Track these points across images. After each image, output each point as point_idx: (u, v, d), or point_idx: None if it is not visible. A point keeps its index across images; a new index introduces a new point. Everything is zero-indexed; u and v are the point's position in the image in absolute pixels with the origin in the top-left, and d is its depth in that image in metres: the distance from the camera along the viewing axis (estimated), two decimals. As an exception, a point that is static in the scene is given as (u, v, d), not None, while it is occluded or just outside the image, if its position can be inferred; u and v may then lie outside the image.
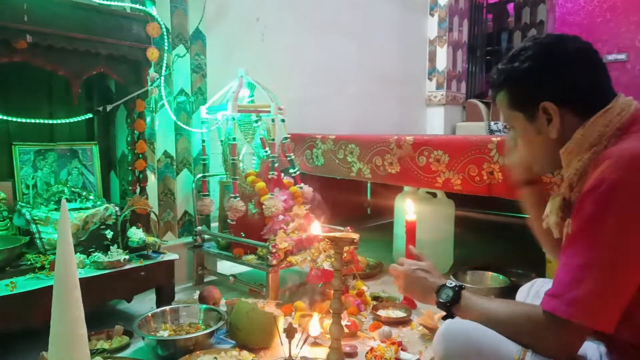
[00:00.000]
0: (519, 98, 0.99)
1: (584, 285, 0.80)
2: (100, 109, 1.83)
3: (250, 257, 1.99)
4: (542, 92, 0.94)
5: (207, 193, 2.24)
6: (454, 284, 1.02)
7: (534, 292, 1.23)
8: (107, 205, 1.79)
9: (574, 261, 0.83)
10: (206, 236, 2.22)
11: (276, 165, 2.17)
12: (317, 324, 1.56)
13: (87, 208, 1.74)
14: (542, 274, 1.97)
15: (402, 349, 1.48)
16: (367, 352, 1.45)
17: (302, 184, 2.23)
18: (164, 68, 1.97)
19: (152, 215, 1.86)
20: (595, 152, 0.90)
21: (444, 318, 1.03)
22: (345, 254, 1.50)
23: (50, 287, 0.96)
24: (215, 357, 1.36)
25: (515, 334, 0.89)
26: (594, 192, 0.82)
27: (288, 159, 2.29)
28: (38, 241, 1.61)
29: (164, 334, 1.54)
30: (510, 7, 6.05)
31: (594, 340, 0.94)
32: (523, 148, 1.04)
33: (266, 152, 2.16)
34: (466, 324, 0.96)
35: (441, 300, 1.02)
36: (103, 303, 1.69)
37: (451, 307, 1.00)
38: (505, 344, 0.89)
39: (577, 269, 0.82)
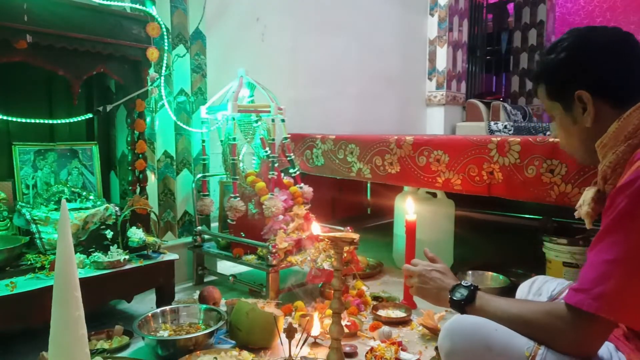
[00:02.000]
0: (556, 88, 1.01)
1: (612, 280, 0.79)
2: (100, 109, 1.82)
3: (250, 257, 1.99)
4: (576, 81, 0.96)
5: (207, 193, 2.23)
6: (468, 284, 1.02)
7: (534, 290, 1.22)
8: (107, 205, 1.79)
9: (603, 257, 0.82)
10: (206, 236, 2.22)
11: (276, 165, 2.17)
12: (317, 323, 1.56)
13: (87, 208, 1.74)
14: (542, 274, 1.97)
15: (402, 349, 1.48)
16: (367, 352, 1.45)
17: (302, 184, 2.23)
18: (164, 68, 1.97)
19: (152, 215, 1.86)
20: (630, 145, 0.90)
21: None
22: (345, 254, 1.50)
23: (50, 287, 0.95)
24: (215, 357, 1.36)
25: (534, 331, 0.88)
26: (627, 188, 0.81)
27: (288, 159, 2.29)
28: (38, 241, 1.61)
29: (164, 334, 1.54)
30: (510, 7, 6.05)
31: None
32: (563, 138, 1.07)
33: (266, 152, 2.16)
34: (474, 319, 0.95)
35: (455, 299, 1.01)
36: (103, 303, 1.69)
37: (465, 307, 0.99)
38: (515, 340, 0.88)
39: (605, 264, 0.81)
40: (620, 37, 0.97)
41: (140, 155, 1.84)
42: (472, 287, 1.01)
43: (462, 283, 1.03)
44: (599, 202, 1.00)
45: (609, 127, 0.93)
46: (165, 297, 1.78)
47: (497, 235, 3.27)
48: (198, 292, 1.89)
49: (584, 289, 0.82)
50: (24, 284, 1.43)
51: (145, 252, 1.75)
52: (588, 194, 1.04)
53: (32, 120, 1.68)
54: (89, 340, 1.42)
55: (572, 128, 1.01)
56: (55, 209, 1.69)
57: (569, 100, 0.98)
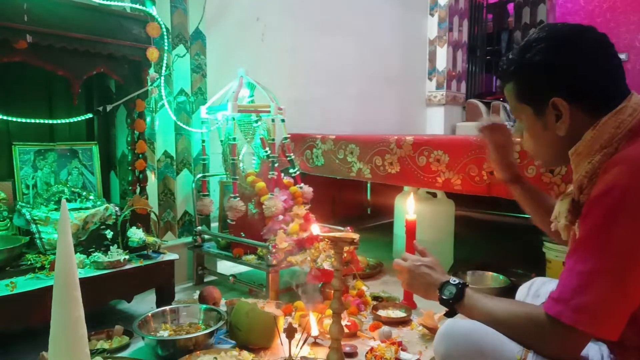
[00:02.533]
0: (528, 91, 0.95)
1: (591, 292, 0.79)
2: (100, 109, 1.83)
3: (250, 257, 1.99)
4: (553, 87, 0.91)
5: (207, 193, 2.24)
6: (457, 281, 1.02)
7: (533, 292, 1.22)
8: (107, 205, 1.79)
9: (581, 267, 0.82)
10: (206, 236, 2.22)
11: (276, 165, 2.17)
12: (316, 324, 1.56)
13: (87, 208, 1.74)
14: (542, 274, 1.97)
15: (402, 349, 1.48)
16: (367, 352, 1.45)
17: (302, 184, 2.23)
18: (164, 68, 1.97)
19: (152, 215, 1.86)
20: (606, 154, 0.87)
21: (446, 315, 1.03)
22: (345, 254, 1.50)
23: (50, 287, 0.95)
24: (215, 357, 1.36)
25: (516, 335, 0.89)
26: (603, 197, 0.81)
27: (288, 159, 2.29)
28: (38, 241, 1.61)
29: (164, 334, 1.54)
30: (510, 7, 6.05)
31: (596, 341, 0.94)
32: (529, 141, 1.01)
33: (266, 152, 2.16)
34: (467, 324, 0.95)
35: (444, 297, 1.01)
36: (103, 303, 1.69)
37: (454, 305, 0.99)
38: (507, 344, 0.89)
39: (583, 275, 0.81)
40: (598, 37, 0.91)
41: (140, 155, 1.84)
42: (460, 286, 1.00)
43: (450, 281, 1.03)
44: (575, 213, 0.95)
45: (583, 135, 0.89)
46: (165, 297, 1.78)
47: (497, 235, 3.27)
48: (198, 292, 1.89)
49: (562, 299, 0.82)
50: (24, 284, 1.43)
51: (145, 252, 1.75)
52: (563, 205, 0.99)
53: (32, 120, 1.68)
54: (89, 340, 1.42)
55: (542, 134, 0.96)
56: (55, 209, 1.69)
57: (541, 105, 0.93)
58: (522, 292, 1.27)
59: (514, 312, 0.91)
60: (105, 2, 1.71)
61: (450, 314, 1.02)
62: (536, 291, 1.22)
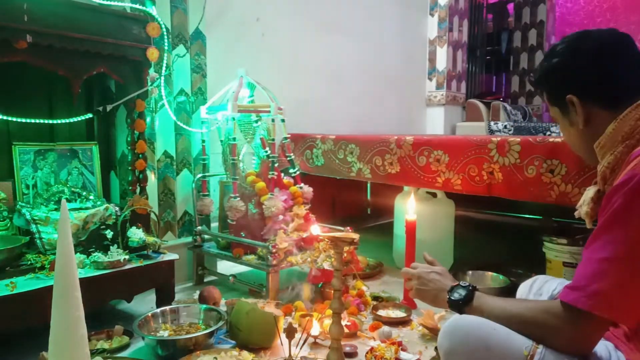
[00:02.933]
0: (552, 93, 1.06)
1: (607, 278, 0.80)
2: (100, 109, 1.83)
3: (250, 257, 1.99)
4: (566, 86, 1.00)
5: (207, 193, 2.24)
6: (467, 284, 1.03)
7: (535, 290, 1.22)
8: (107, 205, 1.79)
9: (598, 255, 0.83)
10: (206, 236, 2.22)
11: (276, 165, 2.17)
12: (316, 324, 1.56)
13: (87, 208, 1.74)
14: (542, 274, 1.97)
15: (402, 349, 1.48)
16: (367, 352, 1.45)
17: (302, 184, 2.23)
18: (164, 68, 1.97)
19: (152, 215, 1.86)
20: (628, 145, 0.91)
21: None
22: (345, 254, 1.50)
23: (50, 287, 0.95)
24: (215, 357, 1.36)
25: (532, 329, 0.88)
26: (622, 187, 0.82)
27: (288, 159, 2.29)
28: (38, 241, 1.61)
29: (164, 334, 1.54)
30: (510, 7, 6.05)
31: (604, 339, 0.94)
32: (566, 138, 1.11)
33: (266, 152, 2.16)
34: (472, 319, 0.96)
35: (453, 299, 1.02)
36: (103, 303, 1.69)
37: (463, 307, 1.00)
38: (514, 340, 0.88)
39: (600, 261, 0.82)
40: (615, 39, 0.99)
41: (140, 155, 1.84)
42: (470, 288, 1.02)
43: (461, 284, 1.04)
44: (598, 202, 1.01)
45: (606, 129, 0.95)
46: (165, 297, 1.78)
47: (497, 235, 3.27)
48: (198, 292, 1.89)
49: (579, 287, 0.83)
50: (24, 284, 1.43)
51: (145, 252, 1.75)
52: (588, 193, 1.06)
53: (32, 120, 1.68)
54: (89, 340, 1.42)
55: (570, 130, 1.05)
56: (55, 209, 1.69)
57: (563, 103, 1.02)
58: (523, 290, 1.26)
59: (527, 307, 0.92)
60: (105, 2, 1.70)
61: None
62: (539, 289, 1.22)
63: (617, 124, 0.93)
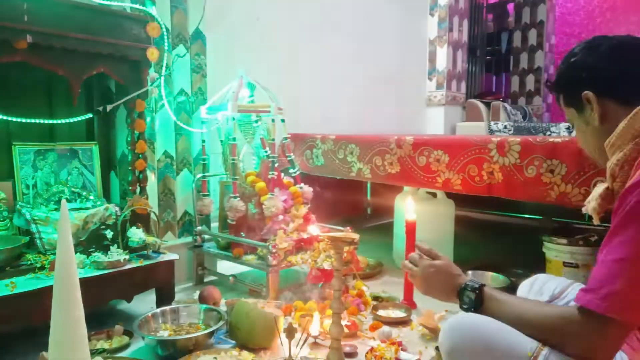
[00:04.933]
0: (568, 94, 1.06)
1: (620, 279, 0.79)
2: (100, 109, 1.82)
3: (250, 257, 1.99)
4: (582, 83, 1.00)
5: (207, 193, 2.23)
6: (473, 285, 0.99)
7: (536, 289, 1.21)
8: (107, 205, 1.79)
9: (612, 256, 0.82)
10: (206, 236, 2.22)
11: (276, 165, 2.17)
12: (317, 324, 1.56)
13: (87, 208, 1.74)
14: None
15: (402, 349, 1.48)
16: (367, 352, 1.45)
17: (302, 184, 2.23)
18: (164, 68, 1.97)
19: (152, 215, 1.86)
20: (638, 143, 0.92)
21: None
22: (345, 254, 1.50)
23: (50, 287, 0.95)
24: (215, 357, 1.36)
25: (547, 334, 0.86)
26: (636, 188, 0.81)
27: (288, 159, 2.29)
28: (38, 241, 1.61)
29: (164, 334, 1.54)
30: (510, 7, 6.05)
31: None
32: (582, 142, 1.10)
33: (266, 152, 2.16)
34: (474, 318, 0.95)
35: (465, 306, 1.00)
36: (103, 303, 1.69)
37: (475, 311, 0.98)
38: (518, 340, 0.87)
39: (614, 263, 0.81)
40: (634, 39, 1.00)
41: (140, 155, 1.84)
42: (477, 290, 0.98)
43: (467, 287, 1.00)
44: (606, 199, 1.02)
45: (617, 128, 0.95)
46: (165, 297, 1.78)
47: (497, 235, 3.27)
48: (198, 292, 1.89)
49: (592, 289, 0.82)
50: (24, 284, 1.43)
51: (145, 252, 1.75)
52: (597, 190, 1.06)
53: (32, 120, 1.68)
54: (89, 340, 1.41)
55: (586, 130, 1.05)
56: (55, 209, 1.69)
57: (579, 103, 1.02)
58: (524, 289, 1.25)
59: (544, 312, 0.90)
60: (105, 2, 1.71)
61: None
62: (540, 288, 1.20)
63: (628, 122, 0.93)
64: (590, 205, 1.07)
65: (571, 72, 1.04)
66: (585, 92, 0.99)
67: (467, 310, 1.00)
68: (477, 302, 0.98)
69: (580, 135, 1.09)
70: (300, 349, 1.41)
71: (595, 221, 1.07)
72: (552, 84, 1.11)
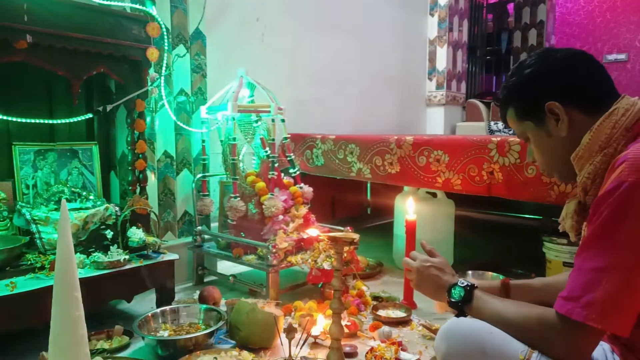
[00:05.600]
0: (525, 106, 1.01)
1: (600, 288, 0.80)
2: (100, 109, 1.83)
3: (250, 257, 1.99)
4: (545, 93, 0.96)
5: (207, 193, 2.23)
6: (465, 283, 1.02)
7: None
8: (107, 205, 1.79)
9: (590, 264, 0.82)
10: (206, 236, 2.22)
11: (276, 165, 2.17)
12: (319, 324, 1.56)
13: (87, 208, 1.74)
14: (542, 274, 1.97)
15: (402, 349, 1.48)
16: (367, 352, 1.45)
17: (302, 184, 2.23)
18: (164, 68, 1.97)
19: (152, 215, 1.86)
20: (606, 154, 0.90)
21: (457, 317, 1.02)
22: (345, 254, 1.50)
23: (50, 287, 0.95)
24: (215, 357, 1.36)
25: (526, 337, 0.88)
26: (609, 196, 0.81)
27: (288, 159, 2.29)
28: (38, 241, 1.61)
29: (164, 334, 1.54)
30: (510, 7, 6.05)
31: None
32: (541, 157, 1.05)
33: (266, 152, 2.16)
34: (470, 322, 0.96)
35: (453, 300, 1.02)
36: (103, 303, 1.69)
37: (463, 307, 1.00)
38: (510, 344, 0.89)
39: (592, 271, 0.82)
40: (578, 50, 0.99)
41: (140, 155, 1.84)
42: (468, 288, 1.01)
43: (459, 283, 1.03)
44: (582, 214, 1.00)
45: (582, 139, 0.93)
46: (165, 297, 1.78)
47: (497, 235, 3.27)
48: (198, 292, 1.89)
49: (572, 297, 0.83)
50: (24, 284, 1.43)
51: (145, 252, 1.75)
52: (570, 206, 1.04)
53: (32, 120, 1.68)
54: (89, 340, 1.42)
55: (547, 142, 1.00)
56: (55, 209, 1.69)
57: (540, 114, 0.98)
58: None
59: (524, 314, 0.91)
60: (105, 2, 1.71)
61: (459, 316, 1.01)
62: None
63: (593, 134, 0.92)
64: (567, 223, 1.04)
65: (529, 84, 0.99)
66: (550, 102, 0.95)
67: (454, 305, 1.02)
68: (465, 298, 1.00)
69: (541, 150, 1.03)
70: (300, 349, 1.41)
71: (572, 238, 1.05)
72: (504, 99, 1.05)
